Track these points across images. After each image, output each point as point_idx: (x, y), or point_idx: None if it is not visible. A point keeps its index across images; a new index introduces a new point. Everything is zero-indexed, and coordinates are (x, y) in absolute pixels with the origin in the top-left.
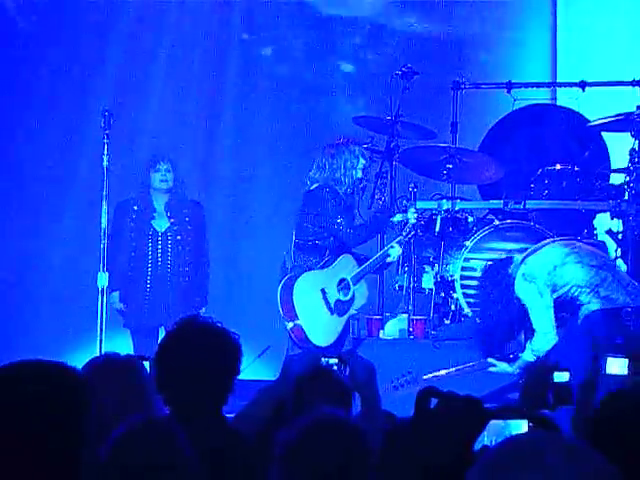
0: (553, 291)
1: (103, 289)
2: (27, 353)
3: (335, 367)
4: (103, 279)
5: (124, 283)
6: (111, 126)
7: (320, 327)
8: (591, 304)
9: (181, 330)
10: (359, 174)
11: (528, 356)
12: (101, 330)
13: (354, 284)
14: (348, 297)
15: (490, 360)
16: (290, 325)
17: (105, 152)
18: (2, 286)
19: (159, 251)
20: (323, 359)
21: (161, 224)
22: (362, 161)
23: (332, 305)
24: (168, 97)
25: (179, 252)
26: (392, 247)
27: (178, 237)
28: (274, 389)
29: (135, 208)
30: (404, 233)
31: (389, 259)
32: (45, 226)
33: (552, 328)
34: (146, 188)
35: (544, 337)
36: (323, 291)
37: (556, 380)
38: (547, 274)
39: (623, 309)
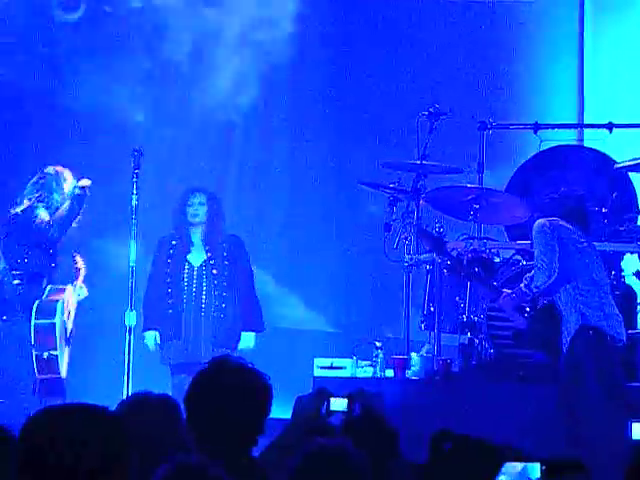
0: None
1: (131, 328)
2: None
3: (345, 406)
4: (131, 318)
5: (161, 320)
6: (140, 165)
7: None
8: None
9: (212, 371)
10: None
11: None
12: (129, 369)
13: None
14: None
15: None
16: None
17: (134, 191)
18: None
19: (194, 285)
20: (332, 398)
21: (197, 258)
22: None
23: None
24: (198, 132)
25: (214, 286)
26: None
27: (214, 271)
28: (290, 433)
29: (173, 243)
30: None
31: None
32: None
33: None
34: (183, 223)
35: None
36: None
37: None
38: None
39: None
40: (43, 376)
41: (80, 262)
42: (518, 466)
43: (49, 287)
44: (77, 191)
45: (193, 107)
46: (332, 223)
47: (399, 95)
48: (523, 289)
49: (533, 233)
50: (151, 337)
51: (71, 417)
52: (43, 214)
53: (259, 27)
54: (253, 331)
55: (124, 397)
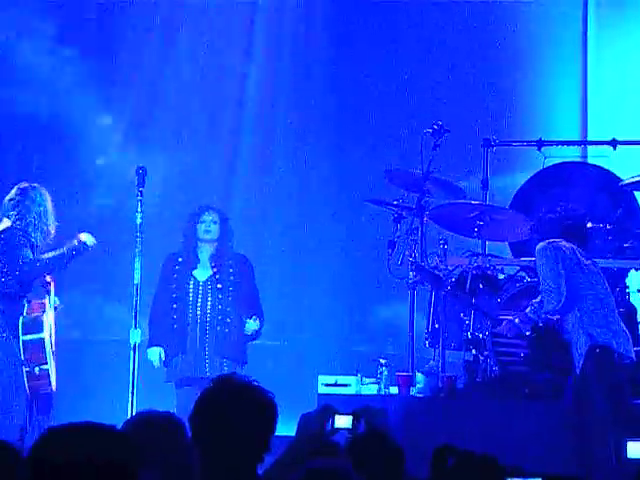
0: None
1: (135, 345)
2: (64, 412)
3: (350, 424)
4: (136, 335)
5: (166, 336)
6: (144, 183)
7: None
8: None
9: (217, 388)
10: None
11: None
12: (133, 387)
13: None
14: None
15: None
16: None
17: (139, 209)
18: None
19: (199, 300)
20: (337, 416)
21: (203, 273)
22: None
23: None
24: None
25: (219, 301)
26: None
27: (219, 285)
28: (294, 450)
29: (180, 260)
30: None
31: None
32: (78, 282)
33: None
34: (192, 239)
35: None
36: None
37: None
38: None
39: None
40: (35, 391)
41: (48, 276)
42: None
43: (25, 303)
44: (75, 243)
45: (197, 107)
46: (337, 241)
47: (402, 111)
48: (530, 315)
49: (536, 257)
50: (155, 353)
51: (82, 435)
52: (27, 252)
53: (265, 35)
54: (255, 315)
55: (128, 416)
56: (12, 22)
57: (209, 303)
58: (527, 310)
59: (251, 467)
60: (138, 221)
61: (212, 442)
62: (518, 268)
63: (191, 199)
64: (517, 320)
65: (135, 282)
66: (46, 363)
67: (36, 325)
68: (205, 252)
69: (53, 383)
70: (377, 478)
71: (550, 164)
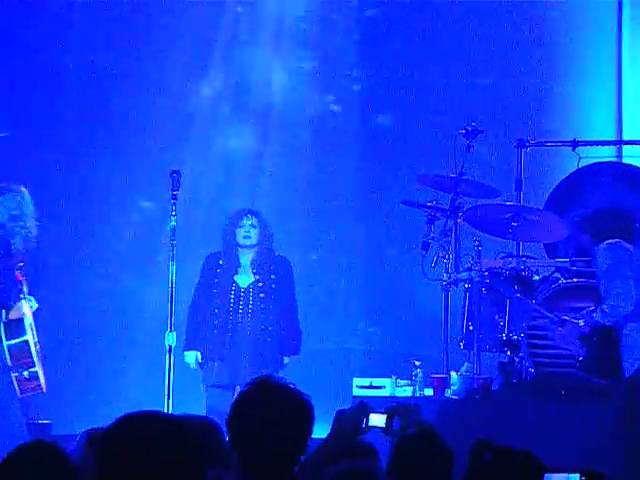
0: None
1: (170, 348)
2: (100, 411)
3: (383, 422)
4: (171, 338)
5: (205, 341)
6: (179, 187)
7: None
8: None
9: (254, 391)
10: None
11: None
12: (169, 389)
13: None
14: None
15: None
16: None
17: (173, 213)
18: (74, 347)
19: (240, 307)
20: (371, 414)
21: (244, 279)
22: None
23: None
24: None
25: (261, 310)
26: None
27: (261, 294)
28: (328, 446)
29: (221, 262)
30: None
31: None
32: (115, 286)
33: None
34: (232, 244)
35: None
36: None
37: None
38: None
39: None
40: (27, 395)
41: (19, 275)
42: (559, 477)
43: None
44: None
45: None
46: (371, 241)
47: (435, 113)
48: (598, 318)
49: (600, 256)
50: (192, 357)
51: (155, 423)
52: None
53: (294, 45)
54: (288, 356)
55: None
56: None
57: (250, 311)
58: (594, 314)
59: (288, 469)
60: (172, 224)
61: (249, 444)
62: (553, 269)
63: (218, 200)
64: (582, 322)
65: (170, 285)
66: (34, 365)
67: (18, 328)
68: (246, 256)
69: (43, 384)
70: (425, 479)
71: (585, 164)
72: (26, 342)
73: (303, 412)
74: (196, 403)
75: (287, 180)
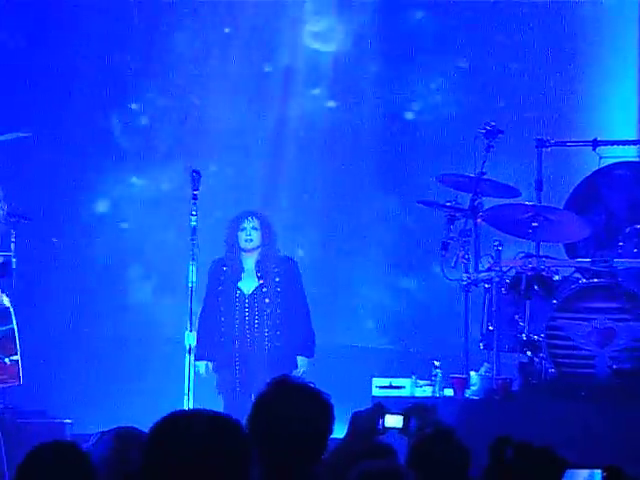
0: None
1: (190, 347)
2: (122, 413)
3: (400, 423)
4: (191, 338)
5: (213, 350)
6: (199, 186)
7: None
8: None
9: (273, 390)
10: None
11: None
12: (189, 388)
13: None
14: None
15: None
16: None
17: (193, 212)
18: (93, 346)
19: (246, 314)
20: (387, 415)
21: (248, 285)
22: None
23: None
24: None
25: (267, 315)
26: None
27: (266, 300)
28: (344, 448)
29: (224, 269)
30: None
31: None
32: (133, 284)
33: None
34: (234, 248)
35: None
36: None
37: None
38: None
39: None
40: (4, 385)
41: None
42: (581, 473)
43: None
44: None
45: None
46: (391, 240)
47: (455, 111)
48: None
49: None
50: (202, 366)
51: (204, 421)
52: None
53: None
54: (303, 355)
55: None
56: None
57: (256, 318)
58: None
59: (309, 467)
60: (192, 224)
61: (270, 443)
62: (573, 269)
63: (236, 200)
64: None
65: (189, 285)
66: (16, 354)
67: (5, 315)
68: (250, 259)
69: (20, 375)
70: (442, 478)
71: (605, 164)
72: (12, 330)
73: (323, 411)
74: (215, 402)
75: (305, 180)
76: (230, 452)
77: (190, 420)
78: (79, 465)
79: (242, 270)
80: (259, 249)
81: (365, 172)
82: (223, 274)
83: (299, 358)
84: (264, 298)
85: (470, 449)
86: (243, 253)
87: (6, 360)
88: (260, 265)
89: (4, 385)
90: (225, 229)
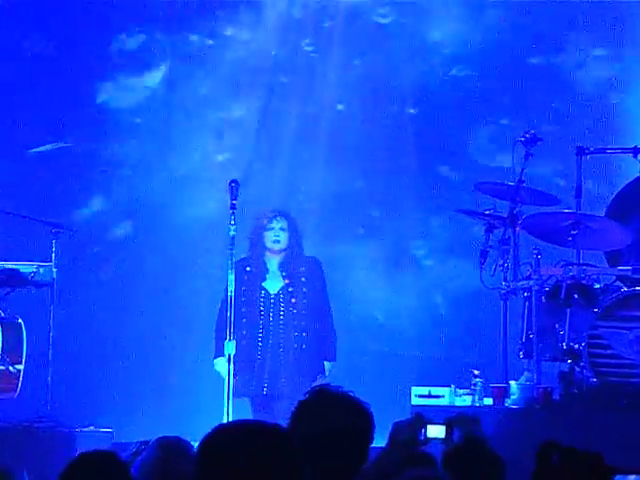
0: None
1: (230, 357)
2: (158, 423)
3: (443, 434)
4: (230, 347)
5: (235, 353)
6: (237, 196)
7: None
8: None
9: (313, 400)
10: None
11: None
12: (228, 397)
13: None
14: None
15: None
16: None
17: (232, 222)
18: (136, 356)
19: (271, 315)
20: (429, 426)
21: (274, 285)
22: None
23: None
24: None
25: (294, 315)
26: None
27: (292, 300)
28: (385, 459)
29: (248, 269)
30: None
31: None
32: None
33: None
34: (259, 248)
35: None
36: None
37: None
38: None
39: None
40: (2, 392)
41: None
42: (630, 478)
43: None
44: None
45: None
46: (430, 249)
47: (494, 121)
48: None
49: None
50: (222, 364)
51: (256, 433)
52: None
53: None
54: (328, 359)
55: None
56: None
57: (282, 318)
58: None
59: (349, 478)
60: (231, 234)
61: (310, 453)
62: (614, 278)
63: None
64: None
65: (228, 294)
66: (20, 363)
67: (20, 328)
68: (274, 260)
69: (18, 386)
70: None
71: None
72: (21, 340)
73: (363, 420)
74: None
75: (340, 184)
76: (285, 466)
77: (242, 433)
78: (118, 476)
79: (267, 271)
80: (286, 251)
81: (404, 181)
82: (247, 274)
83: (325, 363)
84: (290, 298)
85: (503, 459)
86: (267, 253)
87: (10, 368)
88: (285, 265)
89: (2, 392)
90: (251, 228)
